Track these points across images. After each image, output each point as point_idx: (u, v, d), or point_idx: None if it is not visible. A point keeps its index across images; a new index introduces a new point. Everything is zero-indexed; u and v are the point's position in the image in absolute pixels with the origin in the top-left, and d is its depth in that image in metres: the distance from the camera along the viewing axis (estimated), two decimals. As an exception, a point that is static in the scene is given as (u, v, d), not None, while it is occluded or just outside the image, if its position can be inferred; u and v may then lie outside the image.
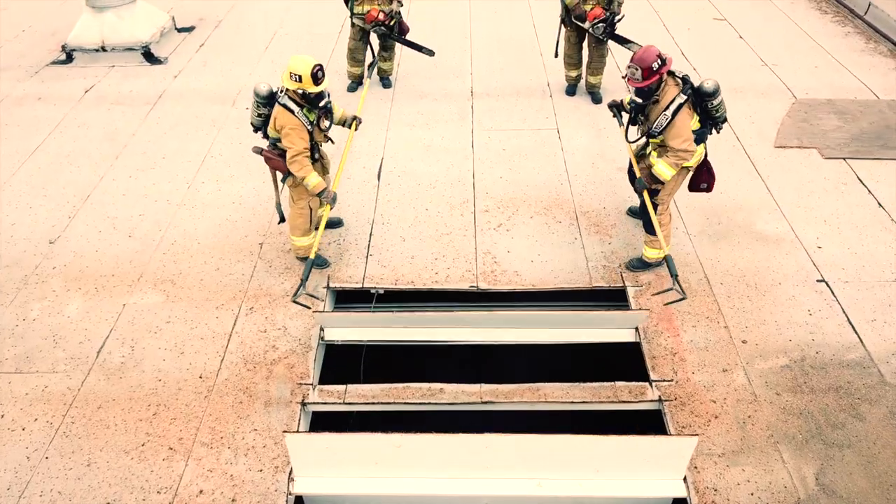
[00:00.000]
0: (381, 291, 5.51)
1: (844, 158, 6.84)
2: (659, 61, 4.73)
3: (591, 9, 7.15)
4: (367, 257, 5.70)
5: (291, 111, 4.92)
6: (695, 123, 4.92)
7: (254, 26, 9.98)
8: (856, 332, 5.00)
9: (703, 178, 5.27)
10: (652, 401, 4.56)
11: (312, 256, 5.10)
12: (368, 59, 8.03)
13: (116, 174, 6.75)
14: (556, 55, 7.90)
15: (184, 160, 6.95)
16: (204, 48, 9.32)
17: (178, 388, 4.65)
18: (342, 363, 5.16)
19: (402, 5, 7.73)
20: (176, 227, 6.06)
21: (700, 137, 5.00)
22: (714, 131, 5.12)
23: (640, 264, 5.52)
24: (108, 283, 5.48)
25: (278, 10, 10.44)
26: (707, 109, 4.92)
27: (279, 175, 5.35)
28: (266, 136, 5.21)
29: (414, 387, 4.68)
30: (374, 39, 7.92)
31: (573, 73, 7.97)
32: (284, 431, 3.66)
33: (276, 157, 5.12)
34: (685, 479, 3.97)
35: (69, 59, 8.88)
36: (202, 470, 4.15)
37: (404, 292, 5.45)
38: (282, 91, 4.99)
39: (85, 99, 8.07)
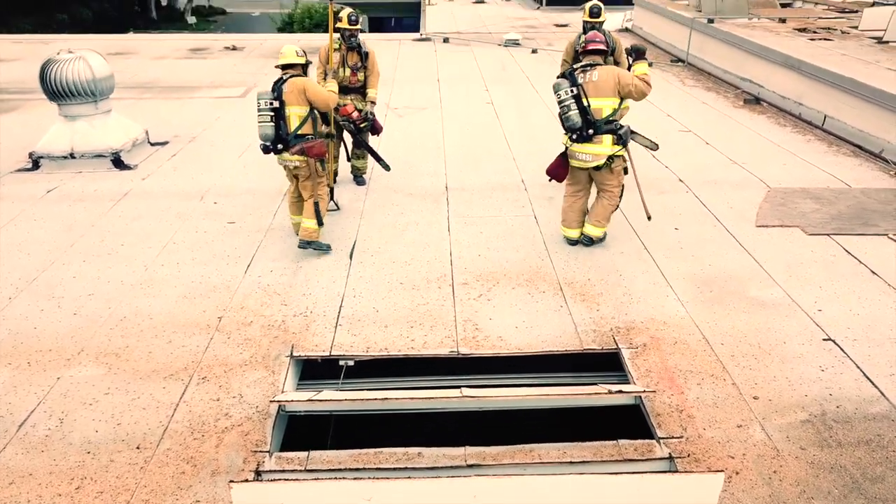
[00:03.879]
0: (351, 363, 4.97)
1: (829, 234, 6.69)
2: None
3: None
4: (336, 327, 5.21)
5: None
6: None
7: (229, 139, 10.01)
8: (876, 387, 4.54)
9: (554, 165, 6.34)
10: (662, 458, 3.96)
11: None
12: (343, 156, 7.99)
13: (69, 259, 6.31)
14: None
15: (144, 246, 6.55)
16: (176, 158, 9.24)
17: (110, 460, 3.95)
18: (307, 432, 4.50)
19: (374, 105, 7.80)
20: (127, 305, 5.54)
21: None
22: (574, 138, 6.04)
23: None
24: (42, 358, 4.87)
25: (255, 127, 10.50)
26: None
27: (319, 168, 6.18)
28: (276, 148, 6.07)
29: (387, 452, 4.03)
30: (347, 137, 7.91)
31: None
32: (231, 482, 3.01)
33: (316, 143, 6.00)
34: (712, 538, 3.33)
35: (36, 166, 8.69)
36: (128, 547, 3.40)
37: (377, 361, 4.92)
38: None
39: (46, 197, 7.79)
